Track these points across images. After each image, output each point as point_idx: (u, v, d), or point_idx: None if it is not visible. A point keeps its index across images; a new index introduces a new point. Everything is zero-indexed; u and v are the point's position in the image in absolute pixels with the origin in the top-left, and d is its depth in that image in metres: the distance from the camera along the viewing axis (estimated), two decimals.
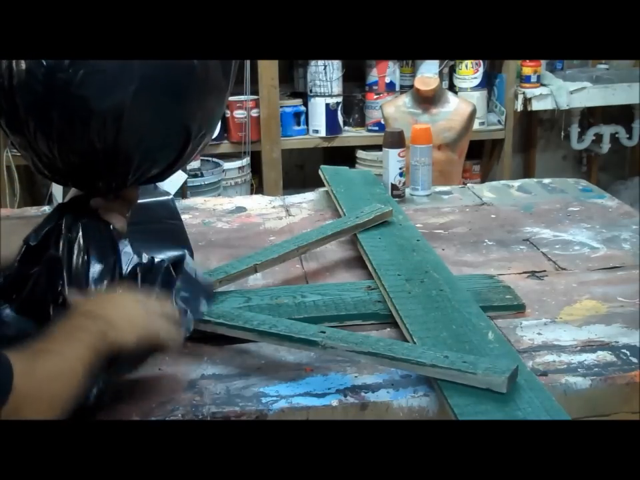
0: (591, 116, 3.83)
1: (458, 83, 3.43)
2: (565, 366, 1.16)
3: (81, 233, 1.08)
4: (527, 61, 3.44)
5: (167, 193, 1.41)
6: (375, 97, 3.35)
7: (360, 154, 3.40)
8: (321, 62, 3.25)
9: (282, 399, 1.09)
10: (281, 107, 3.31)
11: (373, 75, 3.35)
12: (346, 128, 3.42)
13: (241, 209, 2.00)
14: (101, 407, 1.02)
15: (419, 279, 1.39)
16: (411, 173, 2.07)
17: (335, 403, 1.08)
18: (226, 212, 1.98)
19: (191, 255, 1.47)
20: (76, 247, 1.07)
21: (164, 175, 1.14)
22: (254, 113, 3.27)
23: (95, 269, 1.07)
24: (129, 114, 0.99)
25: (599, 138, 3.80)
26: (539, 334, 1.27)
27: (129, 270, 1.10)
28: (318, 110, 3.32)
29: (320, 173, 2.09)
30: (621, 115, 3.80)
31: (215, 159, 3.28)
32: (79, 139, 1.01)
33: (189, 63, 1.03)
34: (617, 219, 1.84)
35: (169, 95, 1.03)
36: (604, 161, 4.01)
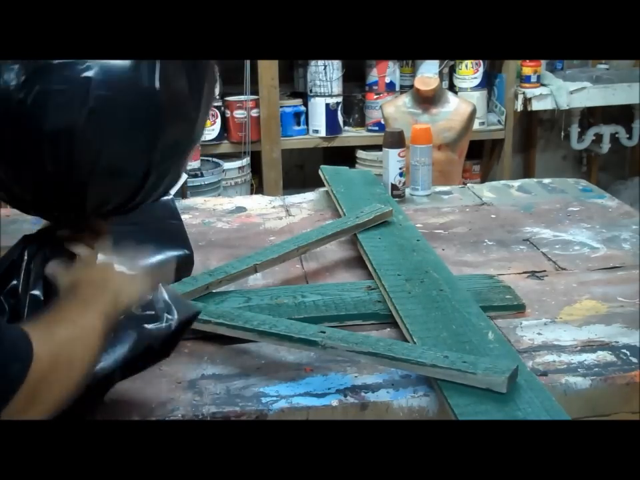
0: (591, 116, 3.83)
1: (458, 82, 3.43)
2: (565, 366, 1.16)
3: (39, 264, 1.05)
4: (527, 61, 3.44)
5: (167, 193, 1.40)
6: (375, 97, 3.35)
7: (360, 154, 3.40)
8: (320, 62, 3.25)
9: (282, 398, 1.09)
10: (281, 107, 3.31)
11: (373, 74, 3.35)
12: (346, 128, 3.42)
13: (240, 209, 2.00)
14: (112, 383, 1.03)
15: (419, 279, 1.39)
16: (411, 173, 2.07)
17: (335, 402, 1.08)
18: (226, 212, 1.98)
19: (191, 254, 1.47)
20: (32, 277, 1.04)
21: (126, 207, 1.07)
22: (254, 113, 3.27)
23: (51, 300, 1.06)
24: (82, 136, 0.95)
25: (599, 138, 3.80)
26: (539, 334, 1.27)
27: None
28: (318, 110, 3.32)
29: (320, 172, 2.09)
30: (621, 115, 3.80)
31: (214, 159, 3.27)
32: (30, 161, 0.97)
33: (150, 88, 0.97)
34: (617, 219, 1.84)
35: (126, 120, 0.97)
36: (604, 161, 4.01)
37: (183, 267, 1.43)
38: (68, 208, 1.04)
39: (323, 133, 3.34)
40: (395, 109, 2.76)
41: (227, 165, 3.27)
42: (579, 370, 1.15)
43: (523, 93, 3.45)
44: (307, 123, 3.37)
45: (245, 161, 3.33)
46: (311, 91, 3.33)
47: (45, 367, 0.81)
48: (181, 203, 2.03)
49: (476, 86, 3.40)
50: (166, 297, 1.06)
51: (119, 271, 1.03)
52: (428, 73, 3.04)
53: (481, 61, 3.37)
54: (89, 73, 0.94)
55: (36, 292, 1.03)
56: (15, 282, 1.04)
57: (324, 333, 1.16)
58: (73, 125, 0.94)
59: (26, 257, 1.05)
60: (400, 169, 1.99)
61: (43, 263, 1.05)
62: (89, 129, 0.95)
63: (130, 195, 1.05)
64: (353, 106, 3.42)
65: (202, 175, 3.15)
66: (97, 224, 1.09)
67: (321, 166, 2.13)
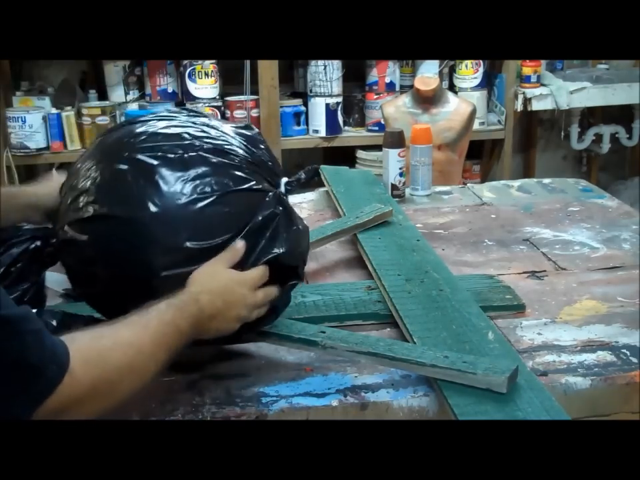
0: (591, 116, 3.83)
1: (458, 82, 3.43)
2: (565, 366, 1.16)
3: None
4: (527, 61, 3.44)
5: None
6: (375, 97, 3.35)
7: (360, 154, 3.39)
8: (320, 62, 3.24)
9: (282, 398, 1.09)
10: (281, 106, 3.30)
11: (373, 74, 3.34)
12: (346, 128, 3.41)
13: None
14: None
15: (419, 279, 1.39)
16: (411, 173, 2.07)
17: (335, 403, 1.08)
18: None
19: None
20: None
21: None
22: (254, 113, 3.27)
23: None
24: None
25: (599, 138, 3.79)
26: (539, 334, 1.27)
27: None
28: (318, 110, 3.32)
29: (320, 172, 2.09)
30: (621, 115, 3.79)
31: None
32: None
33: None
34: (617, 219, 1.84)
35: None
36: (604, 161, 4.00)
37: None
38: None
39: (323, 133, 3.34)
40: (395, 109, 2.76)
41: None
42: (578, 370, 1.15)
43: (523, 93, 3.44)
44: (307, 123, 3.37)
45: None
46: (311, 90, 3.33)
47: (79, 386, 0.82)
48: None
49: (476, 86, 3.40)
50: None
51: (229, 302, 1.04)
52: (428, 73, 3.04)
53: (480, 61, 3.36)
54: None
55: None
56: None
57: (324, 332, 1.16)
58: None
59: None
60: (400, 169, 1.99)
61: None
62: None
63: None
64: (353, 106, 3.41)
65: None
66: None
67: (321, 166, 2.13)
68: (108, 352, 0.87)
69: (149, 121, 1.12)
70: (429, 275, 1.41)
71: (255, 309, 1.08)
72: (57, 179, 1.23)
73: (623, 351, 1.21)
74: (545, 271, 1.54)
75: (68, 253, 1.08)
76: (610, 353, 1.20)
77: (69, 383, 0.80)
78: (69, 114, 3.11)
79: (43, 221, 1.19)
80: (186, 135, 1.08)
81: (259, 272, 1.07)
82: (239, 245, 1.05)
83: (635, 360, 1.17)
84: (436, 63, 3.34)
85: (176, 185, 1.03)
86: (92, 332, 0.89)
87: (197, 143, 1.08)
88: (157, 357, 0.92)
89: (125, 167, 1.04)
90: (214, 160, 1.07)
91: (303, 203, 2.03)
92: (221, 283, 1.03)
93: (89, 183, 1.06)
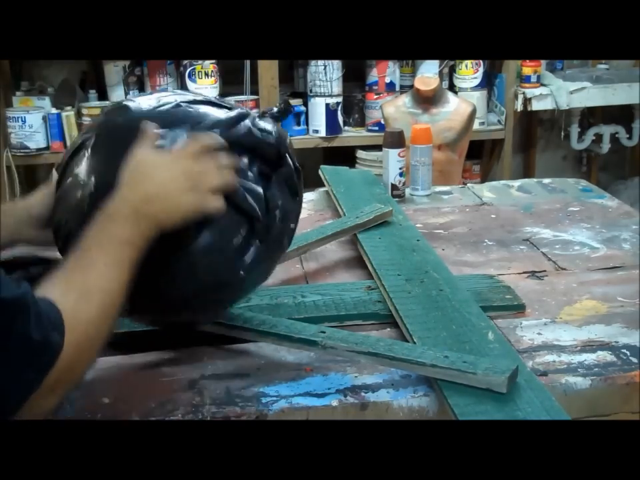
0: (591, 116, 3.83)
1: (458, 82, 3.43)
2: (565, 366, 1.16)
3: None
4: (527, 61, 3.44)
5: None
6: (375, 97, 3.35)
7: (360, 154, 3.39)
8: (320, 62, 3.25)
9: (282, 398, 1.09)
10: None
11: (373, 74, 3.35)
12: (346, 128, 3.41)
13: None
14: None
15: (419, 279, 1.39)
16: (411, 173, 2.07)
17: (334, 403, 1.08)
18: None
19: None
20: None
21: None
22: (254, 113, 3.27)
23: None
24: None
25: (599, 138, 3.79)
26: (539, 334, 1.27)
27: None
28: (318, 110, 3.32)
29: (320, 173, 2.09)
30: (621, 115, 3.79)
31: None
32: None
33: None
34: (617, 219, 1.84)
35: None
36: (604, 161, 4.00)
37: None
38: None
39: (323, 133, 3.34)
40: (395, 109, 2.76)
41: None
42: (579, 370, 1.15)
43: (523, 93, 3.45)
44: (307, 123, 3.37)
45: None
46: (311, 91, 3.33)
47: (75, 336, 0.82)
48: None
49: (476, 86, 3.40)
50: None
51: (169, 187, 0.96)
52: (428, 73, 3.04)
53: (480, 61, 3.36)
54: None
55: None
56: None
57: (324, 333, 1.16)
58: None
59: None
60: (400, 169, 1.99)
61: None
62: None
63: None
64: (352, 106, 3.41)
65: None
66: None
67: (321, 166, 2.13)
68: (78, 308, 0.84)
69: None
70: (429, 274, 1.41)
71: (212, 175, 1.00)
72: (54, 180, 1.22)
73: (622, 350, 1.21)
74: (544, 271, 1.54)
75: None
76: (610, 353, 1.20)
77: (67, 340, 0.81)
78: (69, 114, 3.11)
79: (36, 234, 1.14)
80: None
81: (197, 140, 1.01)
82: (148, 124, 1.00)
83: (635, 360, 1.17)
84: (436, 63, 3.34)
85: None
86: (56, 287, 0.85)
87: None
88: (121, 282, 0.89)
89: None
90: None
91: (303, 203, 2.02)
92: (147, 167, 0.97)
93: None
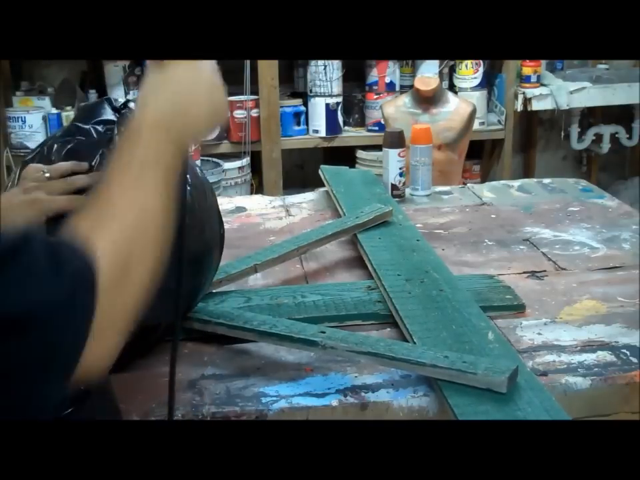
0: (591, 116, 3.83)
1: (458, 82, 3.43)
2: (565, 366, 1.16)
3: None
4: (527, 60, 3.44)
5: None
6: (375, 97, 3.35)
7: (360, 154, 3.39)
8: (320, 62, 3.25)
9: (282, 398, 1.09)
10: (281, 107, 3.30)
11: (373, 75, 3.35)
12: (346, 128, 3.41)
13: (240, 209, 2.00)
14: None
15: (419, 278, 1.39)
16: (411, 173, 2.07)
17: (335, 403, 1.08)
18: (226, 212, 1.98)
19: None
20: None
21: None
22: (254, 113, 3.27)
23: None
24: None
25: (599, 138, 3.79)
26: (539, 334, 1.27)
27: None
28: (318, 110, 3.32)
29: (320, 173, 2.09)
30: (621, 115, 3.79)
31: (214, 159, 3.27)
32: None
33: None
34: (617, 219, 1.84)
35: None
36: (604, 161, 4.00)
37: None
38: None
39: (322, 133, 3.34)
40: (395, 109, 2.76)
41: (226, 165, 3.26)
42: (579, 370, 1.15)
43: (523, 93, 3.45)
44: (306, 123, 3.37)
45: (245, 160, 3.33)
46: (310, 91, 3.33)
47: (108, 282, 0.71)
48: None
49: (476, 86, 3.40)
50: None
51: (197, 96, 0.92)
52: (428, 73, 3.04)
53: (480, 61, 3.37)
54: None
55: None
56: None
57: (324, 333, 1.16)
58: None
59: None
60: (400, 169, 1.99)
61: None
62: None
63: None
64: (352, 106, 3.41)
65: None
66: None
67: (321, 166, 2.13)
68: (107, 233, 0.74)
69: None
70: (429, 275, 1.41)
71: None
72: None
73: (622, 350, 1.21)
74: (544, 270, 1.54)
75: None
76: (610, 352, 1.20)
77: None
78: (68, 114, 3.11)
79: None
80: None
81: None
82: None
83: (635, 360, 1.17)
84: (436, 63, 3.34)
85: None
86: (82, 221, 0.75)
87: None
88: (159, 199, 0.79)
89: None
90: None
91: (303, 203, 2.03)
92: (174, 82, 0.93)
93: None
